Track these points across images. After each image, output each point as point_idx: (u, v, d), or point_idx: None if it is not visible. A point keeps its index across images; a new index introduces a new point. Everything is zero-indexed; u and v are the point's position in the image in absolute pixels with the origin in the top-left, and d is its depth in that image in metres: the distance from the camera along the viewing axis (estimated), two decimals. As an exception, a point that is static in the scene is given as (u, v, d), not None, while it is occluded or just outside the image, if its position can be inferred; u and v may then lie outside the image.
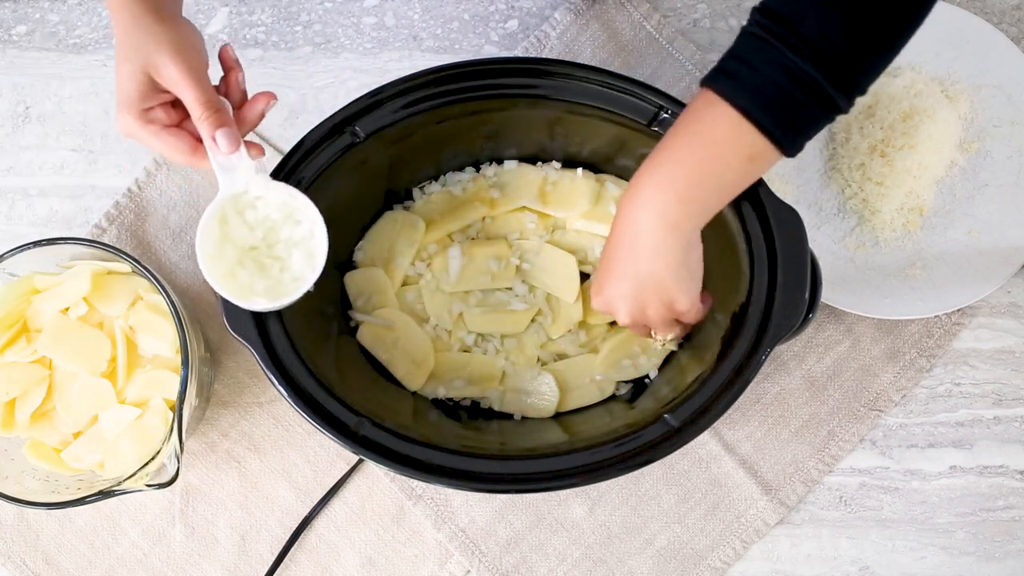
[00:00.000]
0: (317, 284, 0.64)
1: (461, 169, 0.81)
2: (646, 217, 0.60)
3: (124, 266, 0.75)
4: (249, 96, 0.64)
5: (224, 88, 0.64)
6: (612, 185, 0.79)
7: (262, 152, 0.64)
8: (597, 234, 0.79)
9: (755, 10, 0.56)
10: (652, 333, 0.69)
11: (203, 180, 0.87)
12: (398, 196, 0.82)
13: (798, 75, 0.54)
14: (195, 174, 0.87)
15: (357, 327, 0.79)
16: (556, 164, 0.81)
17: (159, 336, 0.75)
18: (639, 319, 0.66)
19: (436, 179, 0.82)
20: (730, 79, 0.56)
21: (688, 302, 0.65)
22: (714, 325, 0.74)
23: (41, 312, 0.76)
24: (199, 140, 0.61)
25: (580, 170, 0.79)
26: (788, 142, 0.57)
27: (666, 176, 0.59)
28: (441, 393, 0.78)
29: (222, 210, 0.63)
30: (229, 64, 0.65)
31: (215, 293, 0.65)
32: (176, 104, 0.62)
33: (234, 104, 0.64)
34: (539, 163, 0.81)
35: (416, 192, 0.82)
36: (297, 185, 0.67)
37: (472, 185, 0.80)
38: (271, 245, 0.64)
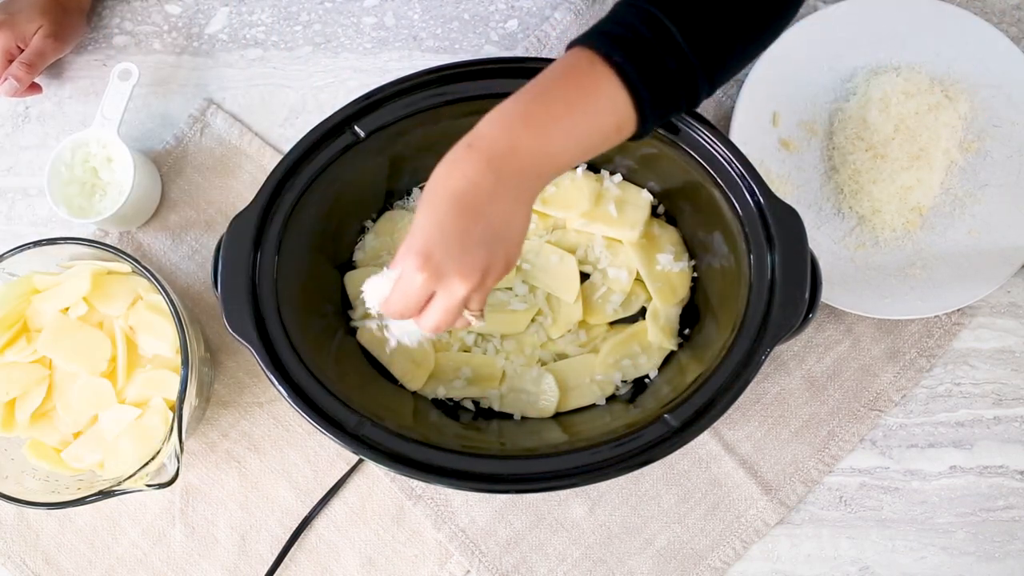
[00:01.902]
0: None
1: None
2: (511, 163, 0.53)
3: (124, 266, 0.75)
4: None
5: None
6: (612, 185, 0.79)
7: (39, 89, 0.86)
8: (597, 234, 0.79)
9: None
10: (467, 310, 0.57)
11: (203, 181, 0.87)
12: (398, 196, 0.82)
13: (685, 61, 0.55)
14: (195, 175, 0.87)
15: (357, 327, 0.79)
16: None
17: (159, 336, 0.75)
18: (474, 289, 0.55)
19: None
20: (595, 30, 0.56)
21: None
22: (714, 325, 0.74)
23: (41, 312, 0.76)
24: None
25: (580, 170, 0.79)
26: (649, 125, 0.57)
27: (540, 124, 0.54)
28: (441, 393, 0.78)
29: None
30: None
31: (216, 293, 0.65)
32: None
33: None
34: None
35: (416, 192, 0.82)
36: (297, 185, 0.67)
37: None
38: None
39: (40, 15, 0.83)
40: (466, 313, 0.57)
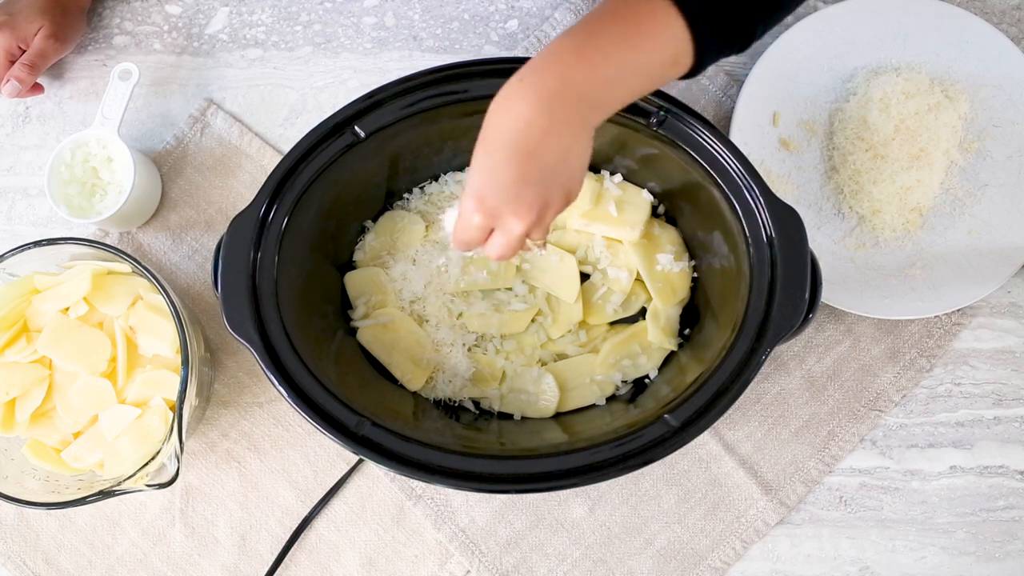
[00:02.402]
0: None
1: (461, 169, 0.81)
2: (566, 97, 0.52)
3: (124, 266, 0.75)
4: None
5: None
6: (612, 185, 0.79)
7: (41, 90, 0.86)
8: (597, 234, 0.79)
9: None
10: (530, 240, 0.59)
11: (203, 181, 0.87)
12: (398, 196, 0.82)
13: (741, 9, 0.54)
14: (195, 175, 0.87)
15: (357, 327, 0.79)
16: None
17: (159, 336, 0.75)
18: (532, 226, 0.57)
19: (436, 179, 0.82)
20: None
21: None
22: (714, 325, 0.74)
23: (41, 312, 0.76)
24: None
25: None
26: (703, 63, 0.55)
27: (595, 56, 0.53)
28: (441, 393, 0.78)
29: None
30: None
31: (216, 293, 0.65)
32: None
33: None
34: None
35: (416, 192, 0.82)
36: (297, 185, 0.67)
37: None
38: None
39: (40, 16, 0.83)
40: (528, 242, 0.59)
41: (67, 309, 0.76)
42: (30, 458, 0.76)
